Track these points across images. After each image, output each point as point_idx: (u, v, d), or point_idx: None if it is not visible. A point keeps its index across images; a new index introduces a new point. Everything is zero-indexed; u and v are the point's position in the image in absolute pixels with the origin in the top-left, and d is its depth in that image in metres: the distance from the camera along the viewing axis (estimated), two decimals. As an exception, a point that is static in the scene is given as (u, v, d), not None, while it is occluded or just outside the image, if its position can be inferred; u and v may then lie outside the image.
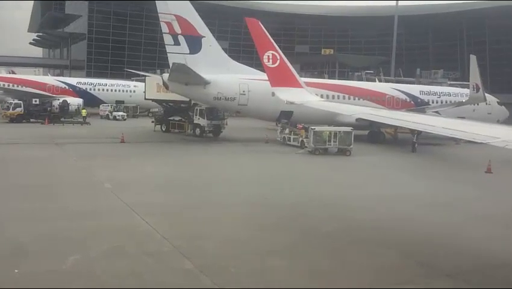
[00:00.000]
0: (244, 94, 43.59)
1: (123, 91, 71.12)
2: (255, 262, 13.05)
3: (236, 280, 11.74)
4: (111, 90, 70.85)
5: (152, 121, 51.14)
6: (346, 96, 47.63)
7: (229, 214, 17.88)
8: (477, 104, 46.09)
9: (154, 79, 51.33)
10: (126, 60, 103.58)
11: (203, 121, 44.36)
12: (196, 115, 45.29)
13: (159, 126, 49.33)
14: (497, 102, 55.23)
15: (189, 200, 19.71)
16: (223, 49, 47.57)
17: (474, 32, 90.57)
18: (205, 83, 42.17)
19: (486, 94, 46.43)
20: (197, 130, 44.87)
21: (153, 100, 51.04)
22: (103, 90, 70.53)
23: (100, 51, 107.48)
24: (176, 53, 41.67)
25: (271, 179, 25.73)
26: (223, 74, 43.01)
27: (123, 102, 68.68)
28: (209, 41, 43.41)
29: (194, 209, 18.41)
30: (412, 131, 42.07)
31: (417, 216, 18.90)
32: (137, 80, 72.72)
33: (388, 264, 13.37)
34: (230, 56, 48.40)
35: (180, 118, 49.10)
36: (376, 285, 11.84)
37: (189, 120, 47.29)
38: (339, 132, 36.48)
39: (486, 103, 48.73)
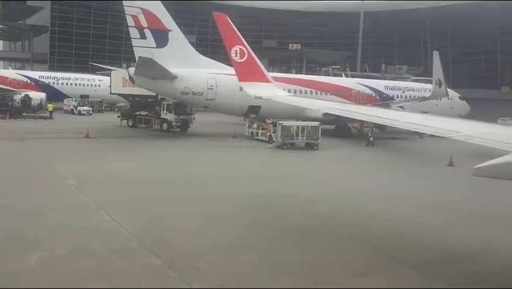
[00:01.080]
0: (212, 89, 43.42)
1: (87, 85, 69.63)
2: (224, 258, 13.06)
3: (204, 276, 11.72)
4: (75, 84, 69.24)
5: (118, 116, 50.31)
6: (313, 90, 48.07)
7: (198, 210, 17.80)
8: (440, 99, 47.27)
9: (120, 73, 50.42)
10: (90, 54, 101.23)
11: (170, 116, 43.92)
12: (163, 110, 44.78)
13: (126, 121, 48.54)
14: (459, 97, 56.85)
15: (157, 196, 19.50)
16: (190, 43, 47.21)
17: (436, 28, 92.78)
18: (172, 77, 41.76)
19: (448, 90, 47.68)
20: (165, 125, 44.40)
21: (119, 94, 50.20)
22: (67, 84, 68.86)
23: (64, 44, 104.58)
24: (143, 47, 41.09)
25: (239, 174, 25.75)
26: (190, 69, 42.69)
27: (87, 96, 67.26)
28: (177, 35, 42.97)
29: (162, 205, 18.24)
30: (368, 126, 43.04)
31: (381, 209, 19.28)
32: (102, 75, 71.24)
33: (353, 256, 13.62)
34: (198, 50, 48.08)
35: (147, 113, 48.47)
36: (341, 277, 12.03)
37: (156, 115, 46.74)
38: (306, 126, 36.84)
39: (448, 98, 50.07)
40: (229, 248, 13.78)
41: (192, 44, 49.33)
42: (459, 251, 14.60)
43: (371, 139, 40.20)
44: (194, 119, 47.03)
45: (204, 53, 51.59)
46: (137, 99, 48.64)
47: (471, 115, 53.14)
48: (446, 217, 18.43)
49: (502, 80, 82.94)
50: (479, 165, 9.21)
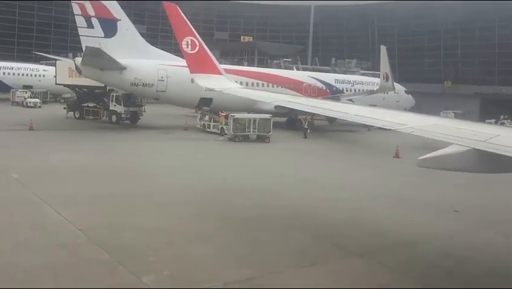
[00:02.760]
0: (163, 80, 42.77)
1: (31, 75, 66.92)
2: (176, 251, 12.93)
3: (155, 270, 11.57)
4: (18, 74, 66.38)
5: (64, 108, 48.64)
6: (265, 83, 48.30)
7: (147, 203, 17.52)
8: (387, 93, 48.65)
9: (66, 63, 48.79)
10: (34, 42, 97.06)
11: (119, 108, 42.94)
12: (111, 101, 43.72)
13: (72, 112, 47.03)
14: (405, 90, 58.80)
15: (104, 190, 19.02)
16: (140, 33, 46.21)
17: (384, 23, 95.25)
18: (121, 68, 40.78)
19: (395, 84, 49.16)
20: (114, 117, 43.37)
21: (65, 85, 48.56)
22: (8, 73, 65.88)
23: (5, 32, 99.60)
24: (90, 37, 39.88)
25: (191, 167, 25.55)
26: (140, 60, 41.85)
27: (31, 86, 64.47)
28: (126, 25, 41.96)
29: (110, 198, 17.81)
30: (319, 118, 43.87)
31: (330, 199, 19.70)
32: (46, 64, 68.53)
33: (304, 246, 13.85)
34: (148, 41, 47.16)
35: (95, 104, 47.18)
36: (292, 266, 12.21)
37: (104, 107, 45.59)
38: (258, 119, 37.01)
39: (395, 92, 51.66)
40: (180, 241, 13.66)
41: (142, 34, 48.29)
42: (401, 240, 15.14)
43: (308, 131, 40.85)
44: (144, 111, 46.23)
45: (154, 43, 50.64)
46: (84, 90, 47.28)
47: (416, 109, 55.13)
48: (390, 207, 19.06)
49: (444, 75, 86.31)
50: (422, 157, 9.55)
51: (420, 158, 9.61)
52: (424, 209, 18.91)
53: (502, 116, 59.79)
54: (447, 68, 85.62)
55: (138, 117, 44.19)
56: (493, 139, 8.70)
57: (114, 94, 43.66)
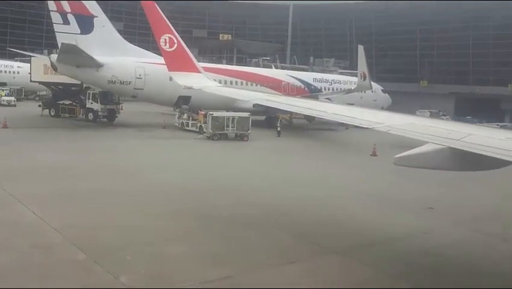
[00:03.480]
0: (141, 78, 42.39)
1: (5, 72, 65.51)
2: (154, 250, 12.83)
3: (132, 269, 11.48)
4: (-9, 71, 64.86)
5: (39, 105, 47.78)
6: (244, 81, 48.30)
7: (124, 202, 17.34)
8: (364, 92, 49.16)
9: (41, 60, 47.88)
10: (8, 38, 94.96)
11: (96, 106, 42.40)
12: (88, 99, 43.14)
13: (48, 110, 46.22)
14: (382, 90, 59.50)
15: (81, 189, 18.75)
16: (117, 30, 45.68)
17: (361, 23, 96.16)
18: (97, 65, 40.26)
19: (372, 83, 49.69)
20: (90, 115, 42.79)
21: (40, 82, 47.68)
22: (-18, 70, 64.33)
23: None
24: (66, 33, 39.27)
25: (170, 165, 25.40)
26: (117, 57, 41.38)
27: (5, 84, 63.05)
28: (102, 22, 41.42)
29: (87, 197, 17.57)
30: (296, 117, 44.00)
31: (308, 198, 19.80)
32: (21, 61, 67.13)
33: (283, 245, 13.91)
34: (125, 38, 46.63)
35: (71, 102, 46.48)
36: (271, 264, 12.25)
37: (81, 104, 44.95)
38: (237, 117, 36.98)
39: (372, 91, 52.22)
40: (158, 240, 13.56)
41: (119, 31, 47.77)
42: (379, 237, 15.33)
43: (278, 129, 40.92)
44: (121, 109, 45.76)
45: (132, 41, 50.12)
46: (60, 87, 46.51)
47: (392, 107, 55.81)
48: (367, 205, 19.27)
49: (420, 74, 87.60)
50: (399, 155, 9.69)
51: (396, 156, 9.75)
52: (400, 206, 19.18)
53: (440, 111, 61.78)
54: (423, 68, 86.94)
55: (116, 115, 43.70)
56: (466, 138, 8.88)
57: (91, 92, 43.09)
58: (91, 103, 42.64)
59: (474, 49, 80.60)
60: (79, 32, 39.73)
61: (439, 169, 9.93)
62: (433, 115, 55.14)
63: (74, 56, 38.46)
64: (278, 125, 41.64)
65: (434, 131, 9.61)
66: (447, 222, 17.36)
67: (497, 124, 41.63)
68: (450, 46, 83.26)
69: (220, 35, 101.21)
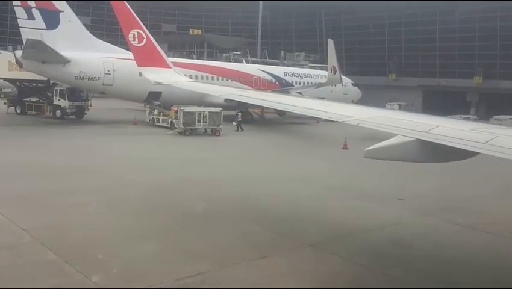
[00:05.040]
0: (110, 74, 41.74)
1: (-32, 69, 63.27)
2: (126, 248, 12.68)
3: (104, 268, 11.32)
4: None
5: (5, 103, 46.54)
6: (215, 76, 48.15)
7: (96, 200, 17.08)
8: (335, 85, 49.66)
9: (5, 56, 46.49)
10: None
11: (64, 103, 41.56)
12: (55, 95, 42.24)
13: (13, 108, 45.05)
14: (352, 83, 60.23)
15: (50, 188, 18.37)
16: (84, 25, 44.81)
17: (331, 17, 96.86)
18: (64, 61, 39.45)
19: (342, 76, 50.24)
20: (58, 112, 41.95)
21: (4, 79, 46.33)
22: None
23: None
24: (31, 28, 38.32)
25: (141, 162, 25.12)
26: (85, 53, 40.62)
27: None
28: (69, 16, 40.58)
29: (56, 197, 17.21)
30: (269, 112, 43.92)
31: (281, 192, 19.93)
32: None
33: (257, 239, 13.94)
34: (92, 33, 45.81)
35: (37, 99, 45.41)
36: (244, 259, 12.28)
37: (48, 101, 43.95)
38: (208, 112, 36.84)
39: (342, 85, 52.83)
40: (130, 238, 13.40)
41: (86, 26, 46.88)
42: (351, 229, 15.53)
43: (234, 123, 40.43)
44: (90, 105, 44.99)
45: (100, 36, 49.23)
46: (26, 84, 45.37)
47: (362, 101, 56.58)
48: (339, 197, 19.54)
49: (389, 68, 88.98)
50: (369, 148, 9.81)
51: (366, 149, 9.87)
52: (371, 198, 19.48)
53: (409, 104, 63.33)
54: (392, 61, 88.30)
55: (84, 111, 42.99)
56: (434, 130, 9.06)
57: (58, 88, 42.20)
58: (59, 100, 41.77)
59: (440, 42, 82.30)
60: (45, 27, 38.82)
61: (408, 161, 10.10)
62: (402, 108, 56.15)
63: (40, 52, 37.59)
64: (239, 120, 40.57)
65: (403, 124, 9.77)
66: (417, 213, 17.72)
67: (460, 116, 42.68)
68: (418, 39, 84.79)
69: (190, 29, 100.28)
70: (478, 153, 8.40)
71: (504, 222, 16.96)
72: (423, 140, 9.00)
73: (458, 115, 44.49)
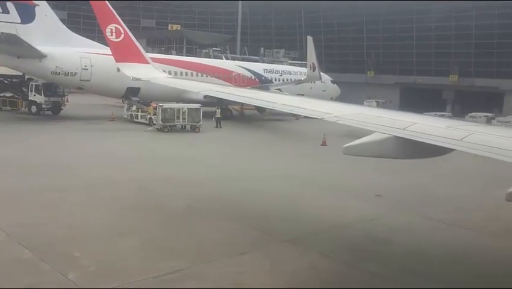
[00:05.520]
0: (87, 69, 41.14)
1: None
2: (103, 245, 12.56)
3: (81, 266, 11.19)
4: None
5: (-22, 98, 45.50)
6: (194, 72, 47.89)
7: (74, 197, 16.86)
8: (314, 82, 49.90)
9: (-21, 51, 45.48)
10: None
11: (40, 98, 40.81)
12: (31, 91, 41.43)
13: (-13, 103, 44.15)
14: (331, 80, 60.58)
15: (25, 185, 18.04)
16: (61, 19, 44.04)
17: (311, 14, 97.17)
18: (40, 56, 38.74)
19: (321, 73, 50.52)
20: (34, 108, 41.18)
21: (-23, 74, 45.35)
22: None
23: None
24: (5, 22, 37.47)
25: (119, 158, 24.84)
26: (62, 47, 39.95)
27: None
28: (44, 10, 39.83)
29: (32, 193, 16.94)
30: (249, 108, 43.77)
31: (259, 188, 19.97)
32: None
33: (235, 236, 13.96)
34: (69, 27, 45.07)
35: (12, 94, 44.50)
36: (224, 256, 12.28)
37: (23, 97, 43.13)
38: (187, 109, 36.64)
39: (321, 82, 53.12)
40: (108, 236, 13.28)
41: (63, 20, 46.07)
42: (330, 225, 15.68)
43: (213, 119, 40.16)
44: (67, 101, 44.30)
45: (77, 30, 48.46)
46: (0, 79, 44.43)
47: (341, 98, 57.01)
48: (318, 193, 19.65)
49: (367, 65, 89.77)
50: (347, 144, 9.90)
51: (345, 145, 9.96)
52: (349, 194, 19.67)
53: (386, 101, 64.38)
54: (370, 59, 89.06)
55: (61, 107, 42.29)
56: (411, 127, 9.19)
57: (34, 84, 41.42)
58: (34, 95, 41.00)
59: (417, 40, 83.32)
60: (20, 21, 38.05)
61: (386, 157, 10.22)
62: (379, 105, 56.76)
63: (15, 46, 36.86)
64: (218, 116, 40.29)
65: (381, 121, 9.88)
66: (394, 208, 17.97)
67: (435, 114, 43.38)
68: (395, 37, 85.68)
69: (169, 25, 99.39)
70: (454, 149, 8.56)
71: (479, 217, 17.35)
72: (401, 137, 9.13)
73: (433, 113, 45.16)
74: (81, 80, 41.35)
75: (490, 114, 54.93)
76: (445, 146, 8.55)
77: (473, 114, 54.60)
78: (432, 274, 11.88)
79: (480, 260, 13.29)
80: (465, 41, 76.97)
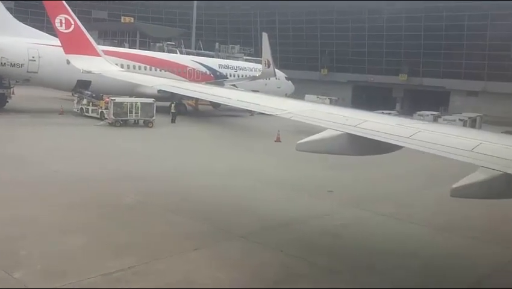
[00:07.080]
0: (34, 61, 39.56)
1: None
2: (49, 243, 12.14)
3: (28, 264, 10.78)
4: None
5: None
6: (148, 66, 47.06)
7: (17, 194, 16.18)
8: (269, 79, 50.13)
9: None
10: None
11: (-17, 90, 38.91)
12: (-26, 83, 39.44)
13: None
14: (285, 77, 61.09)
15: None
16: (7, 8, 42.10)
17: (266, 11, 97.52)
18: (-16, 46, 36.92)
19: (276, 70, 50.83)
20: (-24, 100, 39.22)
21: None
22: None
23: None
24: None
25: (68, 153, 24.07)
26: (7, 37, 38.21)
27: None
28: (-11, -1, 37.96)
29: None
30: (204, 103, 43.37)
31: (212, 184, 19.89)
32: None
33: (188, 232, 13.85)
34: (16, 17, 43.18)
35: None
36: (175, 252, 12.17)
37: (-35, 89, 40.96)
38: (141, 103, 35.99)
39: (276, 78, 53.44)
40: (55, 232, 12.86)
41: (9, 10, 44.05)
42: (282, 220, 15.82)
43: (171, 115, 39.96)
44: (13, 93, 42.46)
45: (24, 20, 46.51)
46: None
47: (295, 95, 57.57)
48: (271, 189, 19.80)
49: (321, 62, 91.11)
50: (301, 141, 10.01)
51: (298, 142, 10.06)
52: (302, 190, 19.93)
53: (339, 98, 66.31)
54: (324, 57, 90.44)
55: (6, 100, 40.46)
56: (362, 124, 9.40)
57: (-23, 75, 39.45)
58: (-23, 87, 39.08)
59: (369, 40, 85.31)
60: (-38, 9, 36.13)
61: (338, 154, 10.39)
62: (332, 102, 57.74)
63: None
64: (173, 111, 40.11)
65: (333, 118, 10.05)
66: (346, 204, 18.36)
67: (382, 112, 44.61)
68: (348, 36, 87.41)
69: (122, 17, 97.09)
70: (403, 146, 8.83)
71: (426, 212, 18.02)
72: (352, 134, 9.31)
73: (381, 111, 46.35)
74: (28, 72, 39.73)
75: (437, 113, 56.99)
76: (395, 143, 8.81)
77: (421, 112, 56.50)
78: (386, 268, 12.23)
79: (431, 252, 13.79)
80: (415, 42, 79.53)
